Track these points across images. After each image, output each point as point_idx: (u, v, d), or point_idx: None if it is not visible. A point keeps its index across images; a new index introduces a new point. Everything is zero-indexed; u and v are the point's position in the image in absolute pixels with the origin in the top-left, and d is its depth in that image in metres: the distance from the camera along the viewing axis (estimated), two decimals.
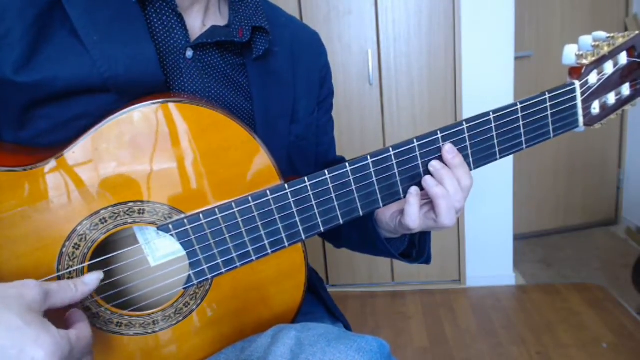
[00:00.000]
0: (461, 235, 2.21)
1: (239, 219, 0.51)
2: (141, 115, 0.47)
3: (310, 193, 0.52)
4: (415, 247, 0.68)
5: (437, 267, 2.28)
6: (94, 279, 0.47)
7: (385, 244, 0.64)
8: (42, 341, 0.37)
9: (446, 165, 0.54)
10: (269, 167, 0.52)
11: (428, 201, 0.56)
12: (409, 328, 1.98)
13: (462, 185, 0.55)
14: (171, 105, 0.48)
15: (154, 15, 0.53)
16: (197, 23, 0.58)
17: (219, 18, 0.61)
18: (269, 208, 0.51)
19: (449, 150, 0.54)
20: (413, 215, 0.55)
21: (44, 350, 0.37)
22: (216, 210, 0.50)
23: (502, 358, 1.74)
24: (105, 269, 0.52)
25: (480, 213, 2.18)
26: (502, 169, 2.12)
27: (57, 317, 0.42)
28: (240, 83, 0.60)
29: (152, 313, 0.53)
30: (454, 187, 0.54)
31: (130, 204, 0.49)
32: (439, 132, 0.53)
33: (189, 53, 0.56)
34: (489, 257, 2.25)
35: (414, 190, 0.55)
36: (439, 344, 1.86)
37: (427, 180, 0.54)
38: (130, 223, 0.49)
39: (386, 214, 0.61)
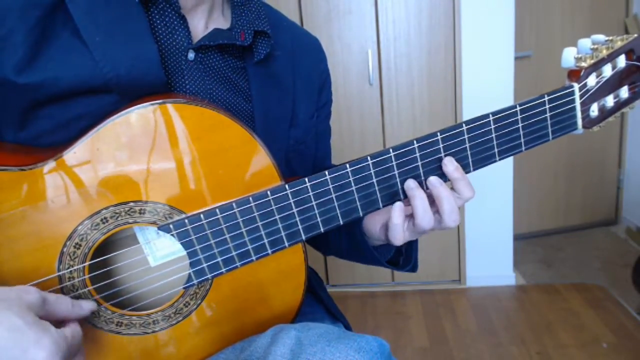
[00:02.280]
0: (461, 235, 2.21)
1: (240, 219, 0.51)
2: (142, 116, 0.47)
3: (311, 194, 0.52)
4: (402, 254, 0.68)
5: (437, 267, 2.28)
6: (89, 308, 0.48)
7: (373, 252, 0.63)
8: (43, 342, 0.38)
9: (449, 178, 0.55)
10: (270, 168, 0.52)
11: (410, 214, 0.56)
12: (409, 328, 1.99)
13: (464, 198, 0.55)
14: (172, 106, 0.48)
15: (157, 16, 0.54)
16: (200, 25, 0.59)
17: (222, 21, 0.62)
18: (270, 208, 0.51)
19: (447, 162, 0.54)
20: (398, 234, 0.55)
21: (45, 351, 0.38)
22: (217, 210, 0.50)
23: (502, 358, 1.74)
24: (106, 269, 0.52)
25: (480, 213, 2.18)
26: (502, 169, 2.12)
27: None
28: (240, 86, 0.60)
29: (153, 313, 0.54)
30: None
31: (131, 203, 0.49)
32: (438, 134, 0.53)
33: (191, 55, 0.56)
34: (489, 257, 2.25)
35: (398, 206, 0.55)
36: (439, 344, 1.86)
37: (432, 181, 0.55)
38: (131, 223, 0.50)
39: (376, 227, 0.61)
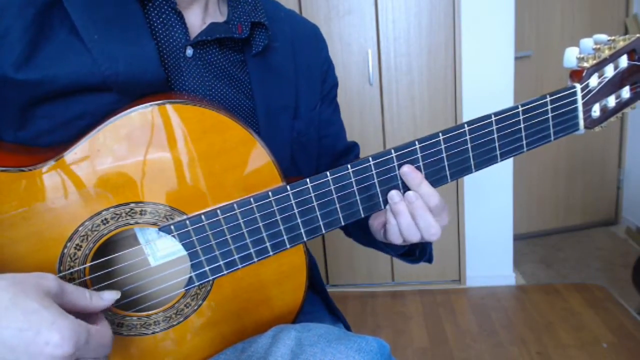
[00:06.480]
0: (461, 235, 2.21)
1: (241, 221, 0.51)
2: (142, 117, 0.47)
3: (312, 194, 0.52)
4: (418, 245, 0.68)
5: (437, 267, 2.28)
6: (111, 298, 0.46)
7: (383, 248, 0.64)
8: (58, 325, 0.37)
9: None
10: (271, 168, 0.52)
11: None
12: (409, 328, 1.99)
13: (431, 206, 0.55)
14: (172, 107, 0.48)
15: (154, 14, 0.53)
16: (197, 21, 0.58)
17: (219, 16, 0.61)
18: (271, 209, 0.51)
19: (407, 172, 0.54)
20: (395, 234, 0.56)
21: (60, 333, 0.37)
22: (218, 211, 0.50)
23: (502, 358, 1.74)
24: (107, 270, 0.52)
25: (480, 213, 2.18)
26: (502, 169, 2.12)
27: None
28: (241, 80, 0.60)
29: (153, 314, 0.54)
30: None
31: (132, 204, 0.49)
32: (440, 134, 0.53)
33: (189, 51, 0.55)
34: (489, 257, 2.25)
35: (396, 196, 0.54)
36: (439, 344, 1.86)
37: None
38: (131, 224, 0.49)
39: (378, 226, 0.61)
